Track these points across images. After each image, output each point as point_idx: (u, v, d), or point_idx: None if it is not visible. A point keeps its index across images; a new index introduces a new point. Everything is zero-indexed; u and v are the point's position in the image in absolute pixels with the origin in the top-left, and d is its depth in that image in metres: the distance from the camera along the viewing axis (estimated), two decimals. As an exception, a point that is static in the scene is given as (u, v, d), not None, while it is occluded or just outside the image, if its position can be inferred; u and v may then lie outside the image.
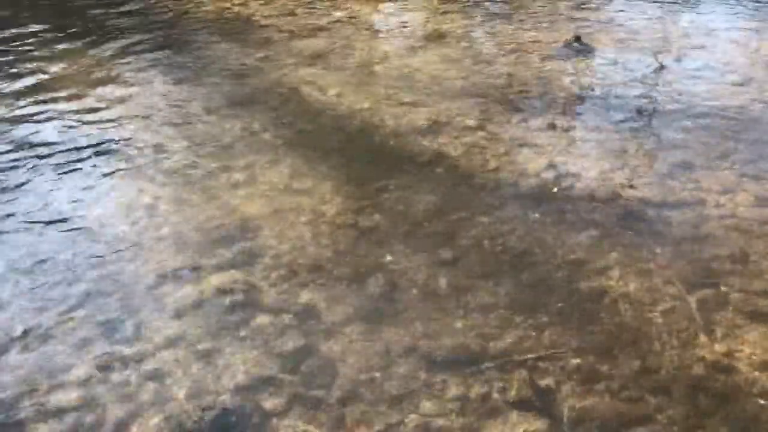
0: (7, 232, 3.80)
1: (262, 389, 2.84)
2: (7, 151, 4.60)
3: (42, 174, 4.34)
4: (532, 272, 3.51)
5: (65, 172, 4.36)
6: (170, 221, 3.91)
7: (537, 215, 3.95)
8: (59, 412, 2.74)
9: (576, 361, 2.97)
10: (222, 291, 3.37)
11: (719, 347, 3.04)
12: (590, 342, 3.07)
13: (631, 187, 4.21)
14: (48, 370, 2.92)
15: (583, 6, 7.62)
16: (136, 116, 5.11)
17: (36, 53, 6.27)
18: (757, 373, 2.91)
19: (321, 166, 4.46)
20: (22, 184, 4.24)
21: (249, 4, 7.71)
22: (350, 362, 2.97)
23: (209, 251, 3.66)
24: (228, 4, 7.70)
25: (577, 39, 6.43)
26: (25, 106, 5.24)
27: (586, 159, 4.54)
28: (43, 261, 3.56)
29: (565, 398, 2.80)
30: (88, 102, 5.34)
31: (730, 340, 3.08)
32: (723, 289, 3.38)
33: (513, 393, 2.82)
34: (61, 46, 6.42)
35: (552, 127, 4.96)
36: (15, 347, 3.03)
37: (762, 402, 2.79)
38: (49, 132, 4.86)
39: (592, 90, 5.62)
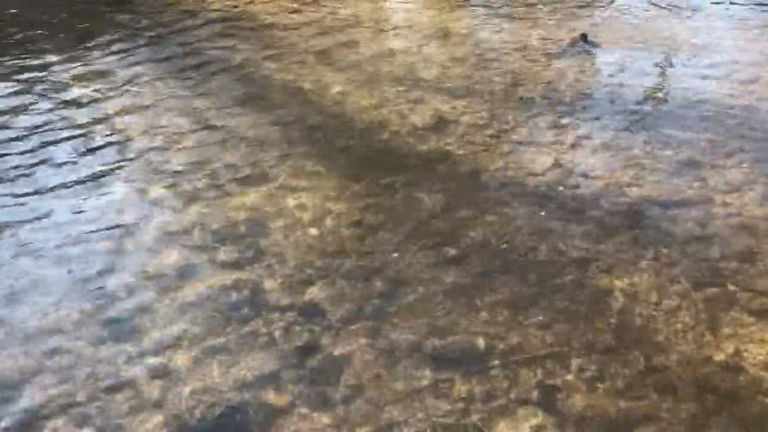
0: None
1: (267, 386, 2.84)
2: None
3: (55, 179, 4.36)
4: (537, 270, 3.50)
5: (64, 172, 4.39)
6: (175, 218, 3.92)
7: (543, 213, 3.94)
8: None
9: (582, 359, 2.96)
10: (227, 288, 3.37)
11: (726, 346, 3.03)
12: (596, 340, 3.06)
13: (638, 185, 4.19)
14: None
15: (589, 4, 7.60)
16: (140, 114, 5.12)
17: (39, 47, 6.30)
18: (763, 373, 2.90)
19: (326, 163, 4.46)
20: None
21: (255, 2, 7.71)
22: (355, 360, 2.97)
23: (215, 248, 3.66)
24: (234, 2, 7.70)
25: (584, 37, 6.41)
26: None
27: (592, 157, 4.53)
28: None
29: (571, 396, 2.79)
30: (89, 95, 5.35)
31: (737, 339, 3.07)
32: (730, 287, 3.37)
33: (519, 391, 2.81)
34: (62, 40, 6.44)
35: (558, 125, 4.94)
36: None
37: (769, 401, 2.78)
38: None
39: (599, 88, 5.60)
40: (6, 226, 3.85)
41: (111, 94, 5.45)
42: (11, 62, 6.06)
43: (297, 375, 2.89)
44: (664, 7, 7.47)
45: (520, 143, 4.70)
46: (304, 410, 2.73)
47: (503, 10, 7.53)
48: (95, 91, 5.50)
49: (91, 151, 4.62)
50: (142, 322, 3.16)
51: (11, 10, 7.46)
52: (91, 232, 3.80)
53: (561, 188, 4.18)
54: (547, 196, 4.10)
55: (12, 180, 4.30)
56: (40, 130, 4.90)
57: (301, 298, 3.31)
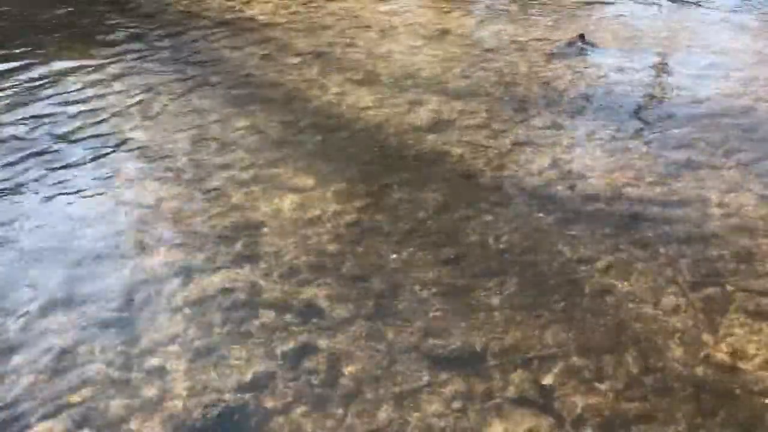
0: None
1: (264, 387, 2.84)
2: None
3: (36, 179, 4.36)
4: (535, 271, 3.50)
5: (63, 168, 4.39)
6: (173, 218, 3.91)
7: (540, 214, 3.94)
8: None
9: (579, 359, 2.97)
10: (224, 289, 3.37)
11: (723, 346, 3.03)
12: (593, 341, 3.07)
13: (635, 185, 4.20)
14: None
15: (587, 4, 7.61)
16: (139, 115, 5.11)
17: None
18: (761, 373, 2.90)
19: (324, 164, 4.46)
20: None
21: (252, 3, 7.71)
22: (353, 360, 2.97)
23: (212, 249, 3.65)
24: (231, 3, 7.70)
25: (582, 37, 6.42)
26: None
27: (589, 158, 4.53)
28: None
29: (568, 397, 2.79)
30: (90, 96, 5.35)
31: (734, 339, 3.07)
32: (727, 288, 3.37)
33: (516, 391, 2.82)
34: (62, 40, 6.44)
35: (556, 125, 4.95)
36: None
37: (766, 401, 2.78)
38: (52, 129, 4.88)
39: (597, 89, 5.61)
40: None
41: (107, 95, 5.44)
42: (7, 64, 6.06)
43: (294, 375, 2.89)
44: (663, 6, 7.48)
45: (518, 143, 4.71)
46: (301, 411, 2.73)
47: (502, 10, 7.54)
48: (91, 92, 5.49)
49: (75, 143, 4.62)
50: (138, 322, 3.16)
51: (4, 7, 7.46)
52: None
53: (559, 188, 4.18)
54: (545, 197, 4.11)
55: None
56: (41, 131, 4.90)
57: (298, 299, 3.31)
